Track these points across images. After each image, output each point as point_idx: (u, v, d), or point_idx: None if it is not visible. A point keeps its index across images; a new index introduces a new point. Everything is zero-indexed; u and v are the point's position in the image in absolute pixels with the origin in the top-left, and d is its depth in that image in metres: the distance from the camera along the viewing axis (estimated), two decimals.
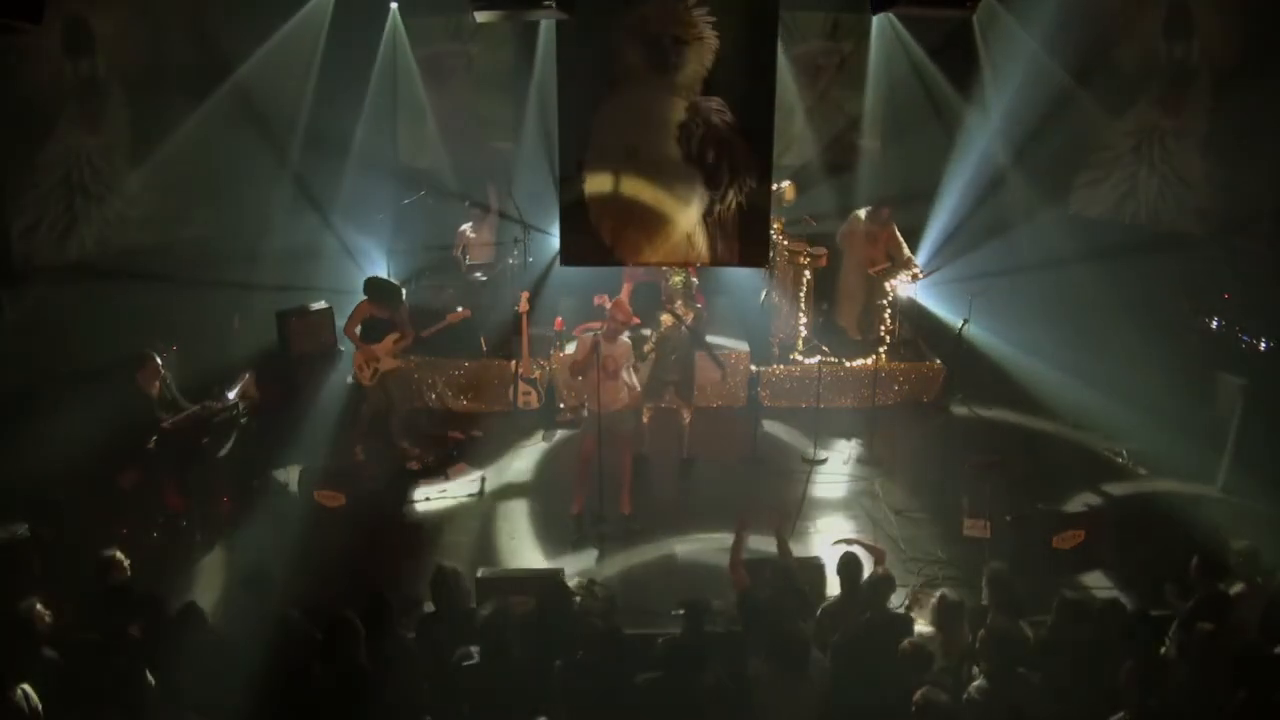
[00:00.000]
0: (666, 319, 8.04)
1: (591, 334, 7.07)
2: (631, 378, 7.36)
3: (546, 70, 10.03)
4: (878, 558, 5.64)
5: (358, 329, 7.89)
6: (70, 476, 7.24)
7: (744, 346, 9.43)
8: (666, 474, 8.06)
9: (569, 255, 8.94)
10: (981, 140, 10.71)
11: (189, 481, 7.10)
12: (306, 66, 10.56)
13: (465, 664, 4.68)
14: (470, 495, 7.78)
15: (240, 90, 10.01)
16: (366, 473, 7.91)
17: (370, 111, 11.10)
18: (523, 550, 7.03)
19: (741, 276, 10.37)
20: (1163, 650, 4.96)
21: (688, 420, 8.12)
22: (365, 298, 7.93)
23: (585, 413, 7.23)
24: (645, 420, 8.16)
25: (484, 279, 9.88)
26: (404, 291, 8.24)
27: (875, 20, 10.83)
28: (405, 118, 11.81)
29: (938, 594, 5.34)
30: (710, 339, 9.63)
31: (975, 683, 4.58)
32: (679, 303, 8.55)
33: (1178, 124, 10.33)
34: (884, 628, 4.90)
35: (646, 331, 8.59)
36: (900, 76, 11.11)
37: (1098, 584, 6.41)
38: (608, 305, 9.79)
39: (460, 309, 8.57)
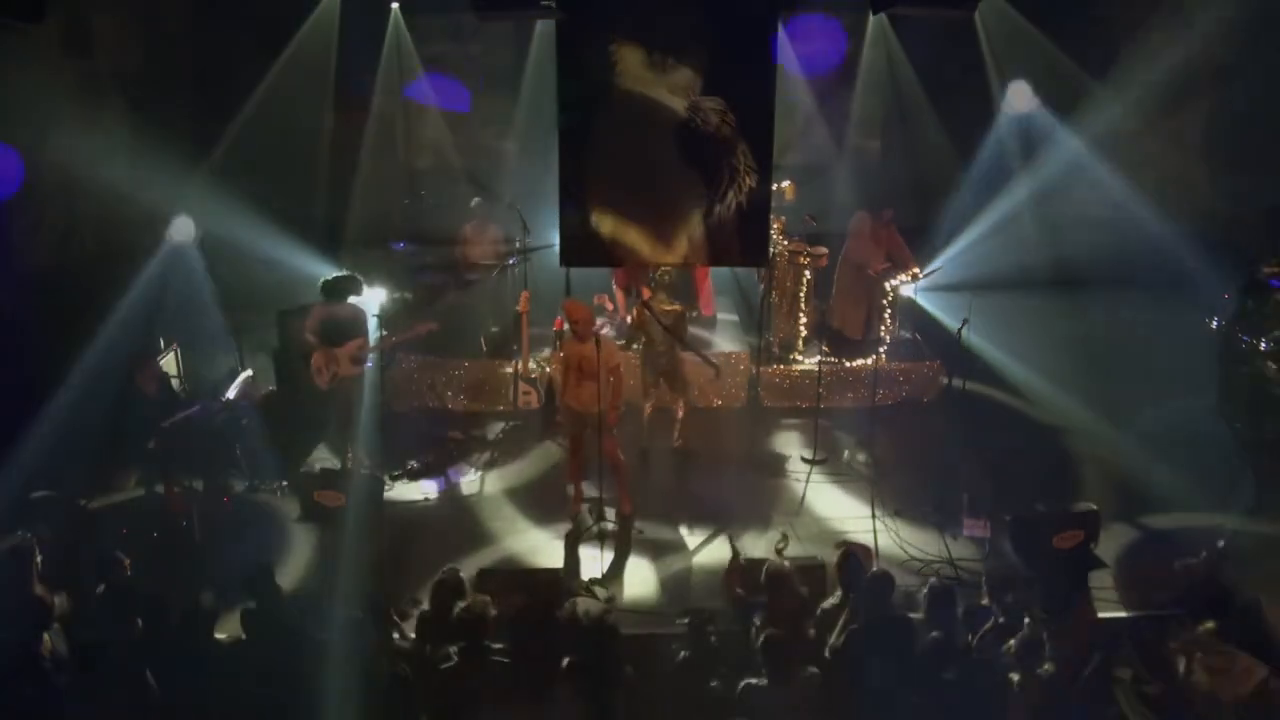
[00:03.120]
0: (638, 311, 8.01)
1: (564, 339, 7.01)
2: (619, 374, 7.30)
3: (546, 70, 10.02)
4: (866, 557, 5.64)
5: (317, 330, 7.49)
6: (70, 476, 7.24)
7: (743, 346, 9.42)
8: (664, 471, 8.06)
9: (568, 256, 8.92)
10: (981, 139, 10.70)
11: (189, 481, 7.09)
12: (320, 66, 10.58)
13: (443, 666, 4.69)
14: (469, 495, 7.77)
15: (239, 90, 10.02)
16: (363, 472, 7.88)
17: (372, 111, 11.10)
18: (522, 550, 7.03)
19: (741, 276, 10.36)
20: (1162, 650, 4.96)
21: (681, 414, 8.16)
22: (321, 298, 7.56)
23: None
24: (648, 413, 8.19)
25: (484, 278, 9.87)
26: (363, 286, 7.64)
27: (875, 20, 10.84)
28: (406, 117, 11.81)
29: (927, 583, 5.33)
30: (708, 337, 9.67)
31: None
32: (659, 294, 8.42)
33: (1178, 124, 10.32)
34: (884, 629, 4.90)
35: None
36: (900, 76, 11.11)
37: (1098, 584, 6.40)
38: (608, 305, 9.86)
39: (431, 324, 8.05)
